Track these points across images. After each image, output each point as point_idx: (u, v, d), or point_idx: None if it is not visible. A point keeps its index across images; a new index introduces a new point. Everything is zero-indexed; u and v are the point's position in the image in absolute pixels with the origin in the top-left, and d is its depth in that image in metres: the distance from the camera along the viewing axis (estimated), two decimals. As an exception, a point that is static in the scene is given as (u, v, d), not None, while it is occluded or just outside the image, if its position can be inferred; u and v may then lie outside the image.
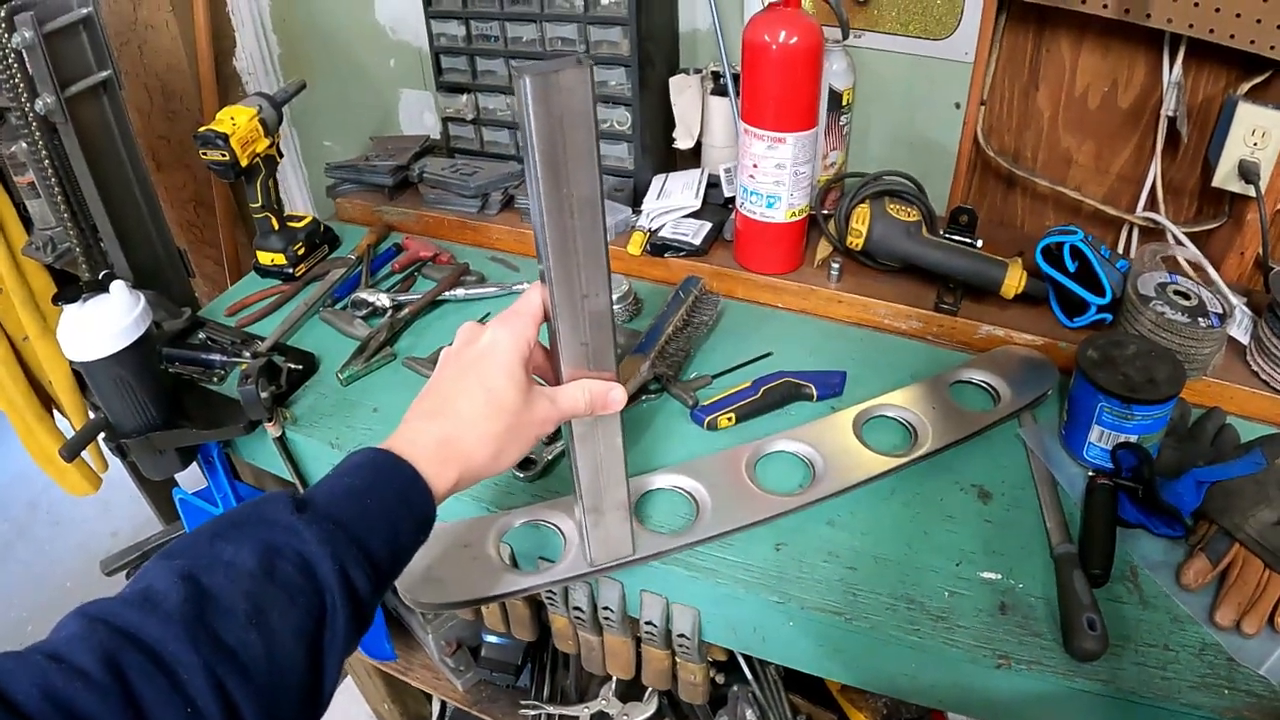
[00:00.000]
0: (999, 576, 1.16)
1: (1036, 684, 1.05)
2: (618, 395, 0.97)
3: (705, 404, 1.38)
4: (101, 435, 1.39)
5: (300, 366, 1.49)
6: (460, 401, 0.88)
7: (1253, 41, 1.42)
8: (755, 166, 1.55)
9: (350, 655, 0.75)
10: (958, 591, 1.14)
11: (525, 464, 1.30)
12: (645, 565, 1.17)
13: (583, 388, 0.94)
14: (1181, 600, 1.13)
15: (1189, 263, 1.55)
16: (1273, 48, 1.41)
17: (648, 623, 1.25)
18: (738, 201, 1.64)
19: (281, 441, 1.39)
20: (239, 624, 0.66)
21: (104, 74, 1.50)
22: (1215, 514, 1.18)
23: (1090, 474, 1.28)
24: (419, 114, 2.30)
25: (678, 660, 1.34)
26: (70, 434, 1.97)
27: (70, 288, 1.23)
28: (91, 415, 1.38)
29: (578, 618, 1.32)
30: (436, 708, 2.59)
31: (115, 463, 1.98)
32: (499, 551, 1.19)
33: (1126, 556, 1.18)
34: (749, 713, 1.82)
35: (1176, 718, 1.02)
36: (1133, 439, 1.25)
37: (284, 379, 1.44)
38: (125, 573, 2.03)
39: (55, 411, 2.05)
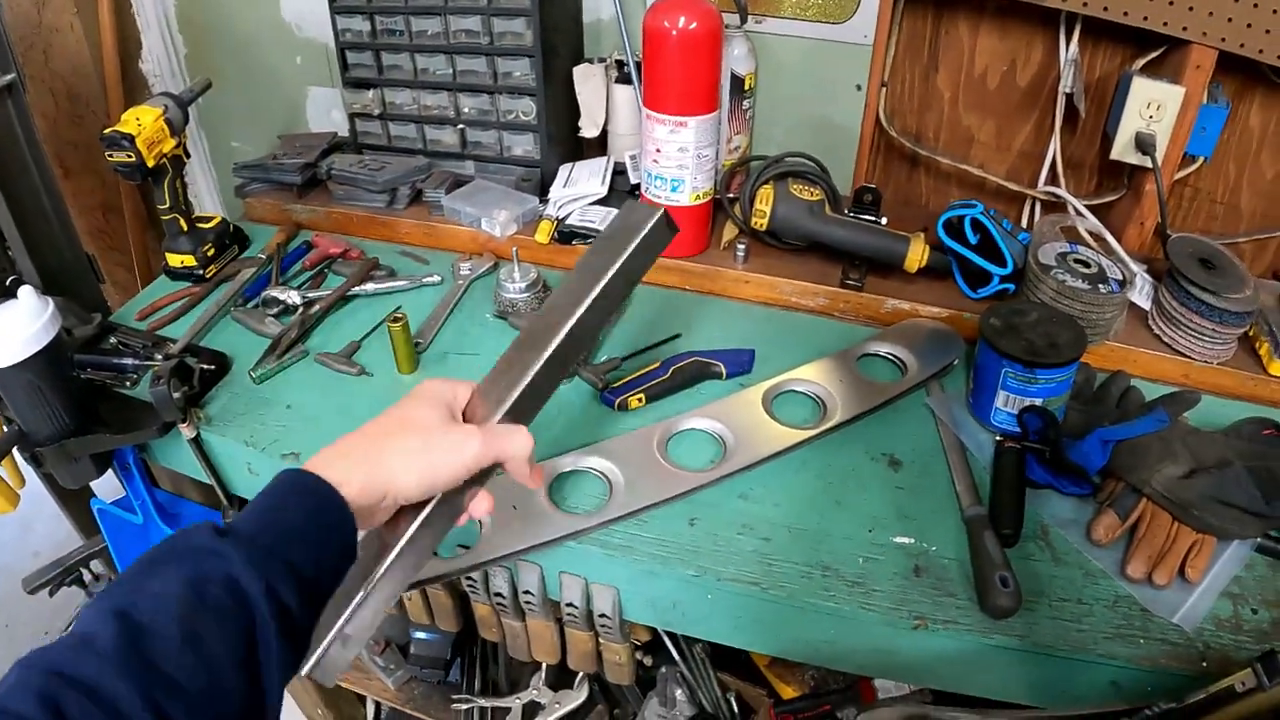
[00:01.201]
0: (912, 541, 1.18)
1: (954, 643, 1.08)
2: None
3: (615, 386, 1.40)
4: (16, 448, 1.38)
5: (213, 367, 1.48)
6: (373, 426, 0.88)
7: (1146, 18, 1.47)
8: (658, 151, 1.57)
9: (294, 674, 0.75)
10: (872, 557, 1.16)
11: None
12: (562, 546, 1.18)
13: (523, 431, 0.92)
14: (1093, 556, 1.16)
15: (1090, 233, 1.59)
16: (1165, 24, 1.46)
17: (569, 604, 1.26)
18: (642, 186, 1.66)
19: (197, 443, 1.38)
20: (173, 650, 0.65)
21: (7, 77, 1.48)
22: (1122, 471, 1.22)
23: (998, 438, 1.31)
24: (327, 111, 2.29)
25: (601, 641, 1.35)
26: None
27: (-25, 294, 1.22)
28: (5, 429, 1.36)
29: (499, 604, 1.32)
30: (371, 710, 2.57)
31: (36, 483, 1.94)
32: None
33: (1037, 516, 1.22)
34: (678, 693, 1.83)
35: (1093, 668, 1.05)
36: (1038, 402, 1.29)
37: (196, 380, 1.41)
38: (48, 590, 2.00)
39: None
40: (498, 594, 1.30)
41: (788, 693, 1.76)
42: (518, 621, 1.36)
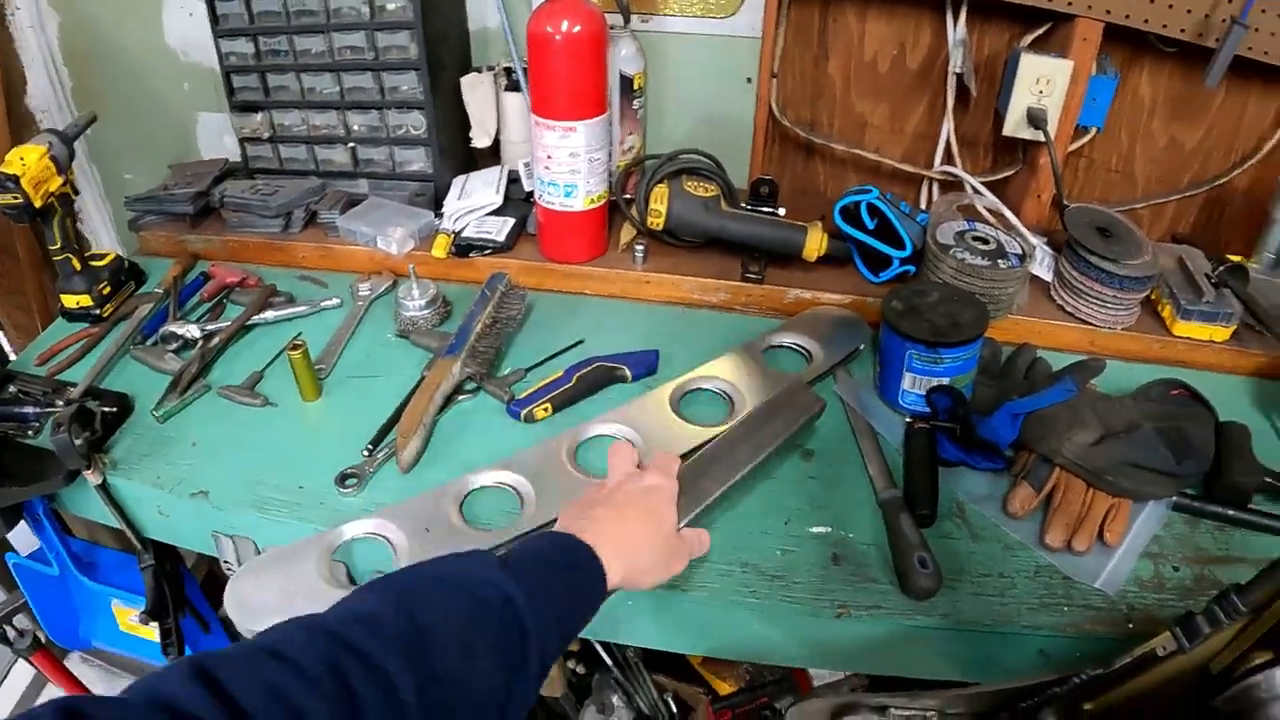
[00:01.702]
0: (829, 529, 1.19)
1: (878, 627, 1.09)
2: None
3: (520, 397, 1.38)
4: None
5: (115, 409, 1.43)
6: (631, 519, 0.99)
7: (1032, -5, 1.48)
8: (550, 157, 1.56)
9: (525, 714, 0.81)
10: (790, 549, 1.17)
11: (346, 478, 1.29)
12: (474, 563, 1.17)
13: (700, 535, 1.09)
14: (1011, 529, 1.18)
15: (988, 210, 1.60)
16: (1051, 0, 1.48)
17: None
18: (536, 193, 1.64)
19: (104, 488, 1.34)
20: (451, 654, 0.72)
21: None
22: (1033, 442, 1.23)
23: (907, 420, 1.32)
24: (218, 137, 2.24)
25: (526, 655, 1.34)
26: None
27: None
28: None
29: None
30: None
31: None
32: (331, 570, 1.17)
33: (952, 494, 1.23)
34: (614, 698, 1.83)
35: (1020, 640, 1.07)
36: (945, 382, 1.30)
37: (99, 423, 1.37)
38: (-29, 650, 1.95)
39: None
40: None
41: (724, 688, 1.77)
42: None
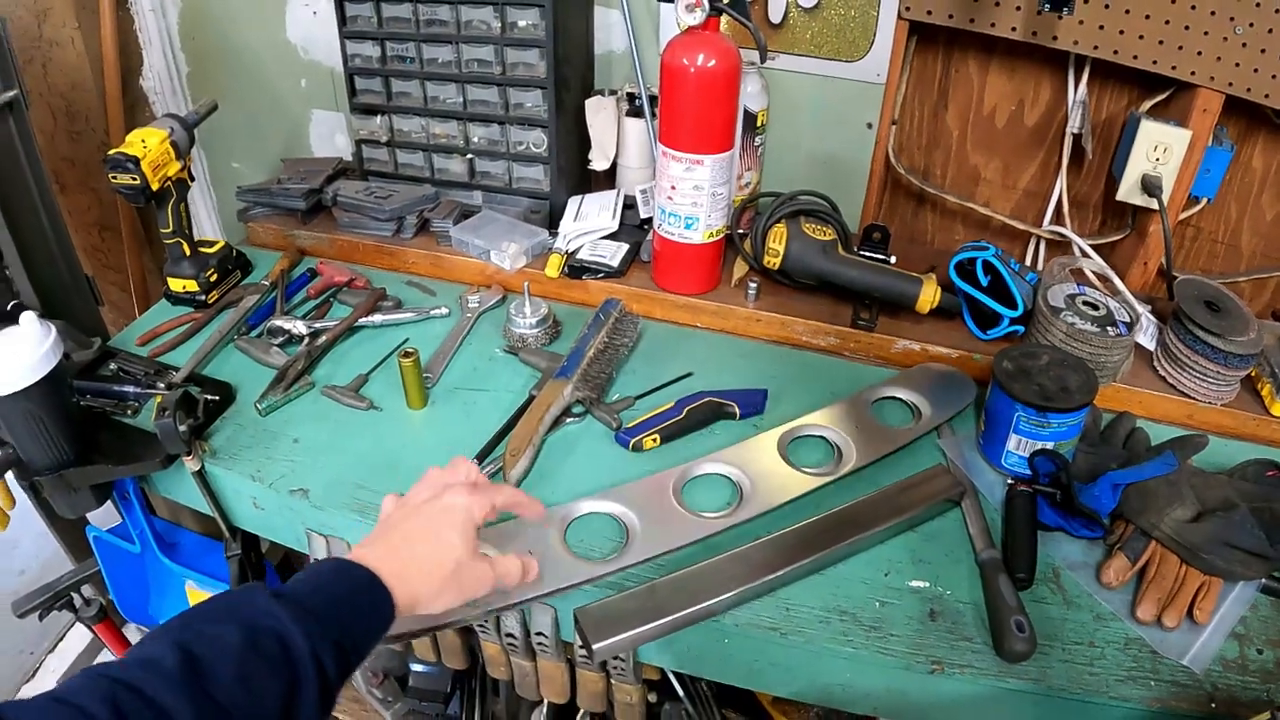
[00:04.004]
0: (927, 584, 1.19)
1: (970, 687, 1.08)
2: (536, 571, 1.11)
3: (629, 426, 1.39)
4: (10, 472, 1.35)
5: (217, 397, 1.46)
6: (418, 543, 0.99)
7: (1155, 62, 1.49)
8: (673, 188, 1.57)
9: None
10: (888, 601, 1.17)
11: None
12: (579, 590, 1.18)
13: (517, 561, 1.07)
14: (1103, 598, 1.18)
15: (1095, 274, 1.60)
16: (1174, 68, 1.48)
17: (582, 646, 1.24)
18: (655, 223, 1.66)
19: (201, 475, 1.36)
20: (227, 684, 0.75)
21: (10, 94, 1.46)
22: (1131, 514, 1.23)
23: (1009, 481, 1.32)
24: (330, 135, 2.28)
25: (613, 682, 1.35)
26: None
27: (-24, 320, 1.19)
28: (-1, 451, 1.34)
29: (510, 644, 1.32)
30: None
31: (24, 500, 1.91)
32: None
33: (1048, 559, 1.23)
34: (683, 730, 1.83)
35: (1106, 711, 1.06)
36: (1049, 445, 1.29)
37: (201, 410, 1.39)
38: (38, 614, 1.97)
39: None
40: (509, 634, 1.30)
41: (790, 729, 1.76)
42: (528, 661, 1.35)
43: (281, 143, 2.33)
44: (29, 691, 2.77)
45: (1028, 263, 1.83)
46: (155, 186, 1.58)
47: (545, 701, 1.90)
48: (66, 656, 2.84)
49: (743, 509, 1.26)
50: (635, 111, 1.80)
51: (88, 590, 2.02)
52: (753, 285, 1.66)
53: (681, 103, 1.49)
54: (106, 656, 2.80)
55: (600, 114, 1.81)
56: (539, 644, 1.29)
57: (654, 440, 1.38)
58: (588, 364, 1.48)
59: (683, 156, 1.53)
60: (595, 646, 1.09)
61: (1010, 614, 1.09)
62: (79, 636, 2.90)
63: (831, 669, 1.13)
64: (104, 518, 1.63)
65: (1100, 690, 1.06)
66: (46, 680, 2.79)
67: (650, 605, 1.12)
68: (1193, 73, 1.48)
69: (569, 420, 1.44)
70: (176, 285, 1.72)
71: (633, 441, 1.37)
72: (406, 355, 1.41)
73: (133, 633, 2.28)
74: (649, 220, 1.74)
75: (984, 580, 1.18)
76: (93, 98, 2.22)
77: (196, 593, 1.68)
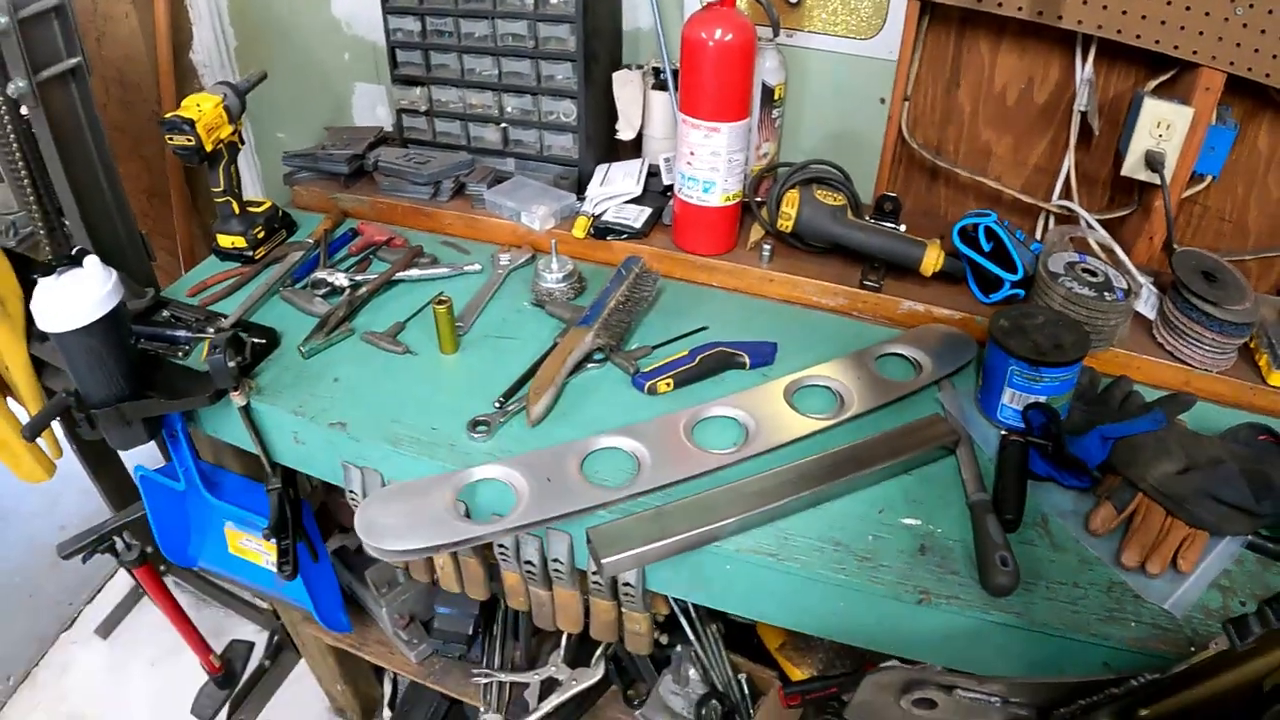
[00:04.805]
0: (919, 522, 1.25)
1: (955, 618, 1.14)
2: None
3: (645, 371, 1.48)
4: (58, 420, 1.44)
5: (263, 341, 1.55)
6: None
7: (1158, 41, 1.53)
8: (692, 154, 1.64)
9: None
10: (881, 536, 1.23)
11: (477, 424, 1.39)
12: (591, 514, 1.26)
13: None
14: (1089, 545, 1.23)
15: (1100, 245, 1.65)
16: (1176, 47, 1.52)
17: (594, 573, 1.33)
18: (676, 187, 1.73)
19: (246, 411, 1.45)
20: None
21: (74, 60, 1.54)
22: (1120, 466, 1.27)
23: (1003, 432, 1.38)
24: (371, 107, 2.37)
25: (624, 611, 1.42)
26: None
27: (44, 263, 1.27)
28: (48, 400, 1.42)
29: (529, 573, 1.39)
30: (388, 689, 2.63)
31: (66, 459, 1.99)
32: (455, 506, 1.28)
33: (1038, 506, 1.28)
34: (692, 671, 1.90)
35: (1086, 649, 1.11)
36: (1042, 400, 1.35)
37: (248, 352, 1.49)
38: (82, 557, 2.06)
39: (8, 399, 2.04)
40: (528, 562, 1.37)
41: (796, 675, 1.82)
42: (545, 590, 1.43)
43: (325, 113, 2.42)
44: (67, 639, 2.86)
45: (1037, 236, 1.88)
46: (209, 147, 1.69)
47: (561, 645, 1.99)
48: (104, 607, 2.94)
49: (748, 447, 1.34)
50: (660, 85, 1.87)
51: (129, 537, 2.12)
52: (767, 247, 1.73)
53: (700, 74, 1.57)
54: (145, 606, 2.90)
55: (627, 87, 1.89)
56: (555, 572, 1.36)
57: (668, 384, 1.46)
58: (609, 314, 1.55)
59: (701, 124, 1.60)
60: (604, 561, 1.17)
61: (996, 550, 1.14)
62: (117, 589, 2.99)
63: (825, 596, 1.19)
64: (149, 463, 1.73)
65: (1082, 628, 1.11)
66: (84, 629, 2.89)
67: (656, 528, 1.20)
68: (1194, 52, 1.52)
69: (590, 365, 1.52)
70: (225, 241, 1.82)
71: (648, 385, 1.45)
72: (440, 302, 1.50)
73: (170, 585, 2.37)
74: (671, 187, 1.81)
75: (973, 520, 1.22)
76: (144, 70, 2.31)
77: (235, 532, 1.77)
